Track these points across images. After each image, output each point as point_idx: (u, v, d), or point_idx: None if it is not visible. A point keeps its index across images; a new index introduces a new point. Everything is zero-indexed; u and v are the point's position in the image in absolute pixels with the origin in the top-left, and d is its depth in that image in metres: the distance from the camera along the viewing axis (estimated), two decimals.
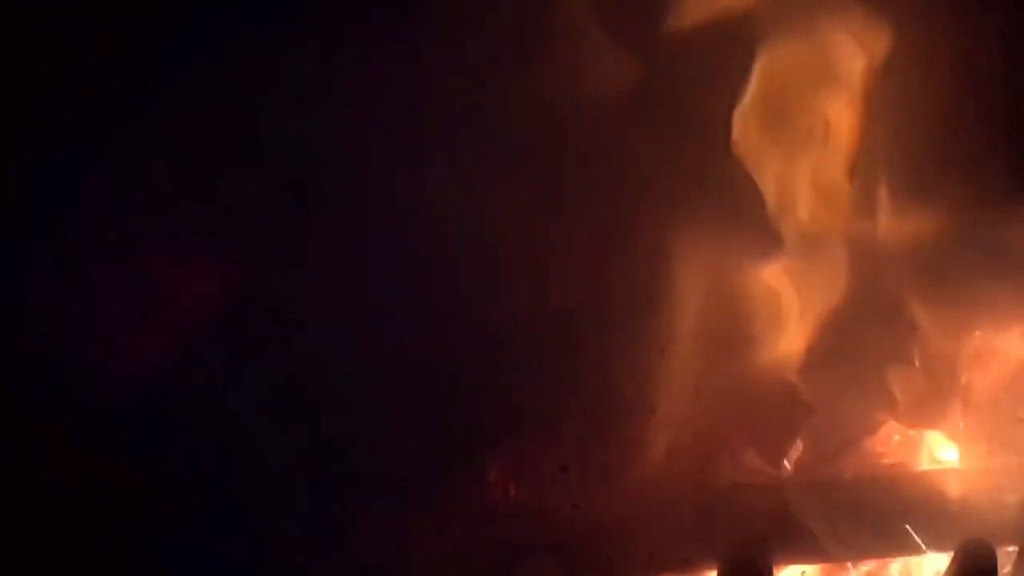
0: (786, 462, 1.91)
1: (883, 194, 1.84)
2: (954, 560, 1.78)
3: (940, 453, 1.94)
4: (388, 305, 1.81)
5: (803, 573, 1.91)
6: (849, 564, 1.92)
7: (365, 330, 1.81)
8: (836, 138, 1.85)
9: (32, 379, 1.83)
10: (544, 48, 1.81)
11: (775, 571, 1.81)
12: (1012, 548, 1.84)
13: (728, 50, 1.81)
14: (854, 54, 1.83)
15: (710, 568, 1.81)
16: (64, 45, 1.80)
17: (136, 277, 1.85)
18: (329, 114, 1.80)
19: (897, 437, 1.95)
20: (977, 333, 1.88)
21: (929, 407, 1.89)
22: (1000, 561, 1.79)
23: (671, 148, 1.81)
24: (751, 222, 1.83)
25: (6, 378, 1.82)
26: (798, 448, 1.92)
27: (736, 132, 1.80)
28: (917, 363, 1.87)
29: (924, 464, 1.93)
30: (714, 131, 1.80)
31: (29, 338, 1.83)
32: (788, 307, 1.87)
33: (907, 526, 1.84)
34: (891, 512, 1.84)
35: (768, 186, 1.83)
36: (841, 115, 1.85)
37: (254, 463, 1.83)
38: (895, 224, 1.85)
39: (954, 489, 1.85)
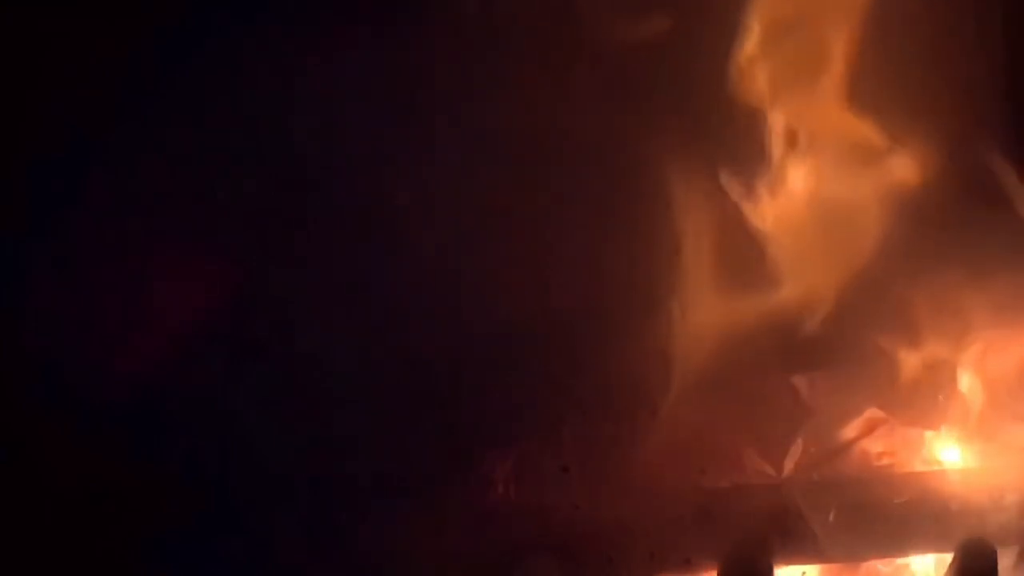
0: (786, 462, 1.92)
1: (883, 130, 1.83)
2: (955, 560, 1.78)
3: (941, 453, 1.94)
4: (388, 305, 1.81)
5: (804, 573, 1.91)
6: (849, 565, 1.93)
7: (365, 330, 1.81)
8: (837, 68, 1.84)
9: (32, 379, 1.83)
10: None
11: (775, 571, 1.81)
12: (1012, 549, 1.84)
13: None
14: None
15: (710, 568, 1.81)
16: (64, 45, 1.80)
17: (136, 277, 1.85)
18: (329, 114, 1.80)
19: (897, 437, 1.95)
20: (978, 331, 1.88)
21: (930, 406, 1.89)
22: (1001, 561, 1.79)
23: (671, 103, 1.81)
24: (753, 163, 1.83)
25: (6, 378, 1.82)
26: (798, 448, 1.92)
27: (738, 69, 1.80)
28: (918, 362, 1.87)
29: (925, 464, 1.93)
30: (716, 74, 1.80)
31: (29, 338, 1.83)
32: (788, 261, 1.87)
33: (908, 526, 1.84)
34: (891, 512, 1.84)
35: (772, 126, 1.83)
36: (842, 43, 1.84)
37: (254, 463, 1.82)
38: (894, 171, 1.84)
39: (955, 489, 1.85)
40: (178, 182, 1.83)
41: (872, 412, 1.90)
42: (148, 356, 1.85)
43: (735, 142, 1.85)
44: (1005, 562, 1.82)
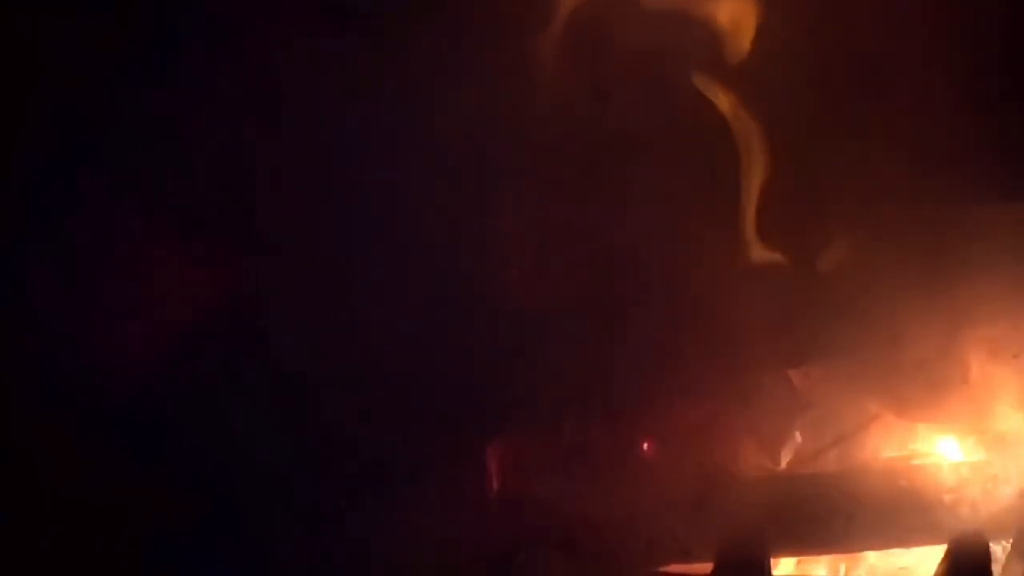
0: (784, 455, 1.93)
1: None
2: (948, 553, 1.79)
3: (936, 446, 1.96)
4: (390, 298, 1.82)
5: (799, 563, 1.92)
6: (844, 556, 1.94)
7: (366, 324, 1.82)
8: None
9: (32, 379, 1.83)
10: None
11: (771, 562, 1.82)
12: (1006, 541, 1.85)
13: None
14: None
15: (708, 559, 1.82)
16: (64, 45, 1.81)
17: (136, 277, 1.85)
18: (327, 112, 1.82)
19: (893, 430, 1.96)
20: (973, 325, 1.89)
21: (925, 400, 1.91)
22: (994, 554, 1.80)
23: None
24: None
25: (6, 378, 1.82)
26: (795, 441, 1.94)
27: None
28: (914, 356, 1.88)
29: (919, 457, 1.95)
30: None
31: (29, 338, 1.83)
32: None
33: (902, 518, 1.85)
34: (886, 505, 1.85)
35: None
36: None
37: (254, 463, 1.83)
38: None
39: (948, 482, 1.86)
40: (179, 182, 1.84)
41: (868, 405, 1.92)
42: (148, 356, 1.85)
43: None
44: (998, 555, 1.83)
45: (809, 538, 1.85)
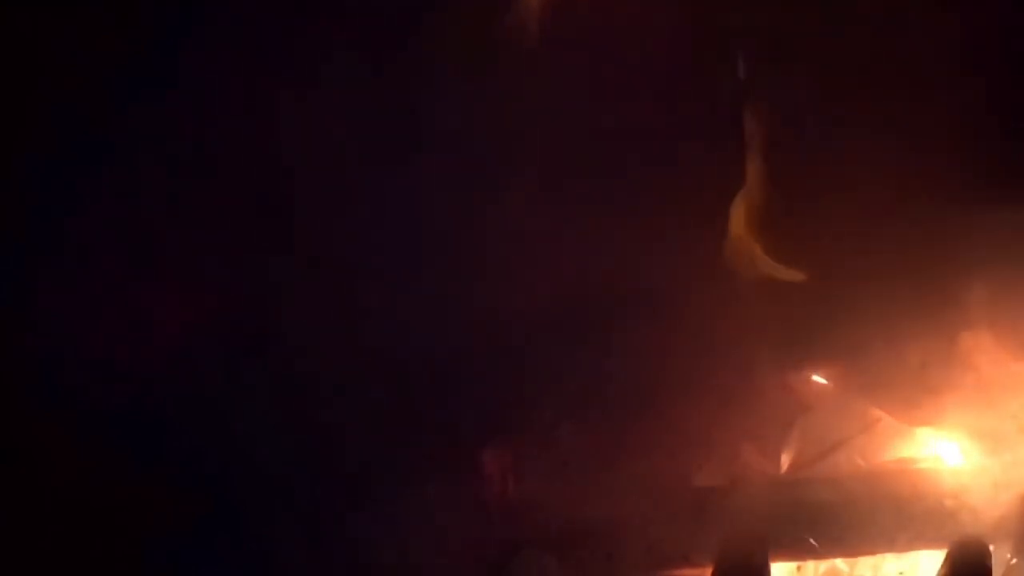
0: (783, 459, 1.93)
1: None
2: (948, 557, 1.79)
3: (935, 450, 1.96)
4: (389, 302, 1.82)
5: (799, 568, 1.92)
6: (843, 560, 1.94)
7: (365, 327, 1.82)
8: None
9: (32, 379, 1.83)
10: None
11: (771, 567, 1.82)
12: (1006, 546, 1.85)
13: None
14: None
15: (707, 564, 1.82)
16: (65, 45, 1.81)
17: (136, 277, 1.86)
18: (323, 112, 1.82)
19: (893, 434, 1.96)
20: (974, 328, 1.89)
21: (924, 404, 1.91)
22: (994, 559, 1.80)
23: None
24: None
25: (6, 378, 1.82)
26: (795, 445, 1.94)
27: None
28: (914, 359, 1.88)
29: (919, 461, 1.95)
30: None
31: (29, 338, 1.83)
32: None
33: (902, 522, 1.85)
34: (887, 509, 1.85)
35: None
36: None
37: (254, 463, 1.83)
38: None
39: (949, 486, 1.86)
40: (178, 183, 1.84)
41: (869, 409, 1.92)
42: (147, 356, 1.85)
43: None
44: (999, 559, 1.83)
45: (807, 542, 1.85)
